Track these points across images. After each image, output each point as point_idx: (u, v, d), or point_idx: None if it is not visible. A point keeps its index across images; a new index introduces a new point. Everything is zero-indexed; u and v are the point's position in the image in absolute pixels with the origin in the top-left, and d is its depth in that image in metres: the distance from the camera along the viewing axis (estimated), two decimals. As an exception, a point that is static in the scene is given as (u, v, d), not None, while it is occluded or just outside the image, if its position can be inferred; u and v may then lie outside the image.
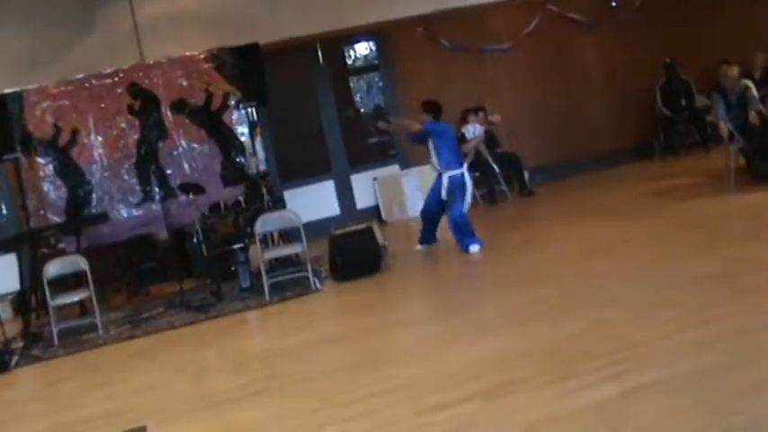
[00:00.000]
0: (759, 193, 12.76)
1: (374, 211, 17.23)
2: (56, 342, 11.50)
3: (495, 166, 16.84)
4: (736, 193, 13.09)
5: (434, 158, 12.93)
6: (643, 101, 18.63)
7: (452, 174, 12.73)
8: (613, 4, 18.41)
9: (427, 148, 13.04)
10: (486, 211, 16.01)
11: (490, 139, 17.09)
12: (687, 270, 9.33)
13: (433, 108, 13.09)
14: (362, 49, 19.46)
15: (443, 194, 12.78)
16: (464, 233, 12.64)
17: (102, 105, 14.37)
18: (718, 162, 14.57)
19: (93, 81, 14.40)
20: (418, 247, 13.54)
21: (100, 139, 14.37)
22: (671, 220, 12.21)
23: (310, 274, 12.13)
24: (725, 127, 13.63)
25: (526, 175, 17.30)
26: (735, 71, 13.97)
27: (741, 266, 9.04)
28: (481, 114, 17.05)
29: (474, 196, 13.51)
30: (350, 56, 19.70)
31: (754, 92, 13.88)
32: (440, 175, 12.87)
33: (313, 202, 16.54)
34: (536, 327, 8.38)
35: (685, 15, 18.66)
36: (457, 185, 12.74)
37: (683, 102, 18.30)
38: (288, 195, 15.68)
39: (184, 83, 14.67)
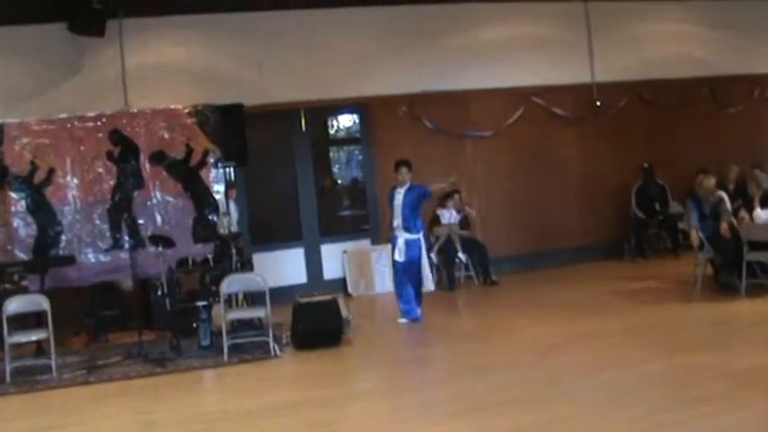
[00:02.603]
0: (724, 303, 12.90)
1: (341, 284, 17.19)
2: (8, 379, 11.33)
3: (461, 256, 16.88)
4: (701, 302, 13.23)
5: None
6: (618, 201, 18.78)
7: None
8: (598, 103, 18.59)
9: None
10: (445, 296, 15.94)
11: (462, 220, 17.12)
12: (645, 373, 9.37)
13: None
14: (346, 120, 19.53)
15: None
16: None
17: (82, 148, 14.34)
18: (687, 269, 14.71)
19: (76, 123, 14.37)
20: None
21: (76, 181, 14.32)
22: (634, 322, 12.25)
23: (271, 339, 12.05)
24: (696, 235, 13.78)
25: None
26: (711, 182, 14.14)
27: (699, 374, 9.10)
28: (457, 197, 17.09)
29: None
30: (332, 126, 19.77)
31: (728, 204, 14.08)
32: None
33: (281, 267, 16.53)
34: (489, 417, 8.38)
35: (666, 122, 18.98)
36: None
37: (658, 206, 18.47)
38: (257, 258, 15.64)
39: (166, 135, 14.67)
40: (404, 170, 13.59)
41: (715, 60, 19.70)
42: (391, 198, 13.79)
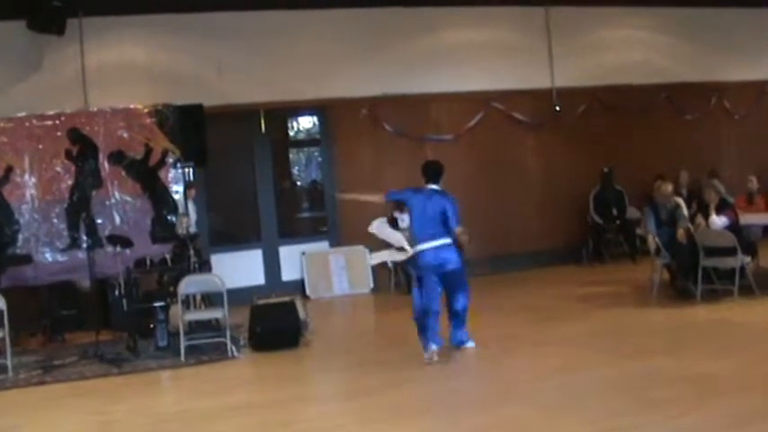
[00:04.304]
0: (679, 308, 12.99)
1: (299, 285, 17.16)
2: (-37, 379, 11.27)
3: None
4: (657, 307, 13.33)
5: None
6: (576, 205, 18.86)
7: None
8: (557, 108, 18.69)
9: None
10: (403, 299, 15.82)
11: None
12: (601, 377, 9.43)
13: (425, 170, 11.65)
14: (306, 122, 19.57)
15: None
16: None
17: (40, 146, 14.24)
18: (643, 274, 14.80)
19: (34, 121, 14.28)
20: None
21: (33, 179, 14.22)
22: (590, 326, 12.33)
23: (228, 341, 12.05)
24: (653, 241, 13.88)
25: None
26: (669, 188, 14.25)
27: (656, 378, 9.15)
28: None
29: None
30: (292, 127, 19.80)
31: (684, 210, 14.18)
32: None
33: (239, 268, 16.46)
34: (445, 419, 8.44)
35: (624, 129, 19.13)
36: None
37: (615, 211, 18.55)
38: (215, 259, 15.62)
39: (125, 135, 14.59)
40: None
41: (673, 68, 19.88)
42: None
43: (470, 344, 11.33)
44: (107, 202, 14.54)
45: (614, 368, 9.77)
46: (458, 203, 11.27)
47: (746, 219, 14.23)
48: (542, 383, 9.40)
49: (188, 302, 12.94)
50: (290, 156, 19.98)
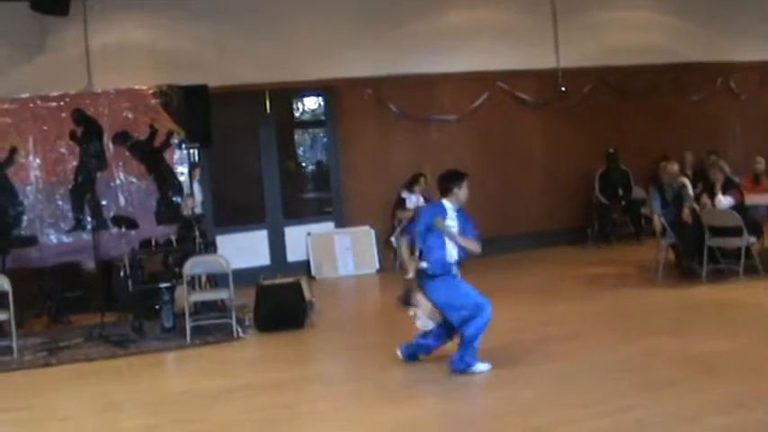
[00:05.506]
0: (684, 289, 12.99)
1: (304, 266, 17.08)
2: (-32, 361, 11.27)
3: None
4: (662, 287, 13.30)
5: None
6: (581, 186, 18.82)
7: None
8: (563, 88, 18.63)
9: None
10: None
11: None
12: (603, 358, 9.45)
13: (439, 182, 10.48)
14: (311, 103, 19.50)
15: None
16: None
17: (45, 128, 14.24)
18: (649, 254, 14.79)
19: (39, 102, 14.26)
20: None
21: (38, 161, 14.21)
22: (595, 307, 12.32)
23: (234, 321, 12.05)
24: (658, 221, 13.88)
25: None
26: (675, 167, 14.24)
27: (656, 360, 9.16)
28: (422, 180, 16.99)
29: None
30: (297, 108, 19.72)
31: (690, 190, 14.17)
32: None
33: (244, 249, 16.42)
34: (447, 400, 8.46)
35: (629, 109, 19.05)
36: None
37: (621, 192, 18.51)
38: (220, 240, 15.59)
39: (130, 116, 14.58)
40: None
41: (679, 48, 19.79)
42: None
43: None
44: (112, 184, 14.54)
45: (617, 349, 9.79)
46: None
47: (752, 199, 14.24)
48: (545, 365, 9.41)
49: (193, 283, 12.94)
50: (296, 136, 19.90)
